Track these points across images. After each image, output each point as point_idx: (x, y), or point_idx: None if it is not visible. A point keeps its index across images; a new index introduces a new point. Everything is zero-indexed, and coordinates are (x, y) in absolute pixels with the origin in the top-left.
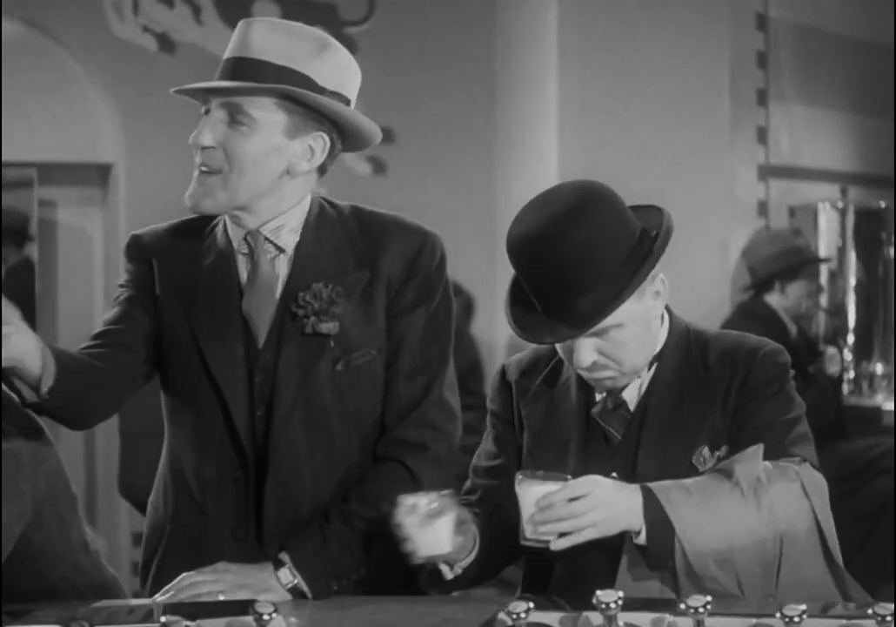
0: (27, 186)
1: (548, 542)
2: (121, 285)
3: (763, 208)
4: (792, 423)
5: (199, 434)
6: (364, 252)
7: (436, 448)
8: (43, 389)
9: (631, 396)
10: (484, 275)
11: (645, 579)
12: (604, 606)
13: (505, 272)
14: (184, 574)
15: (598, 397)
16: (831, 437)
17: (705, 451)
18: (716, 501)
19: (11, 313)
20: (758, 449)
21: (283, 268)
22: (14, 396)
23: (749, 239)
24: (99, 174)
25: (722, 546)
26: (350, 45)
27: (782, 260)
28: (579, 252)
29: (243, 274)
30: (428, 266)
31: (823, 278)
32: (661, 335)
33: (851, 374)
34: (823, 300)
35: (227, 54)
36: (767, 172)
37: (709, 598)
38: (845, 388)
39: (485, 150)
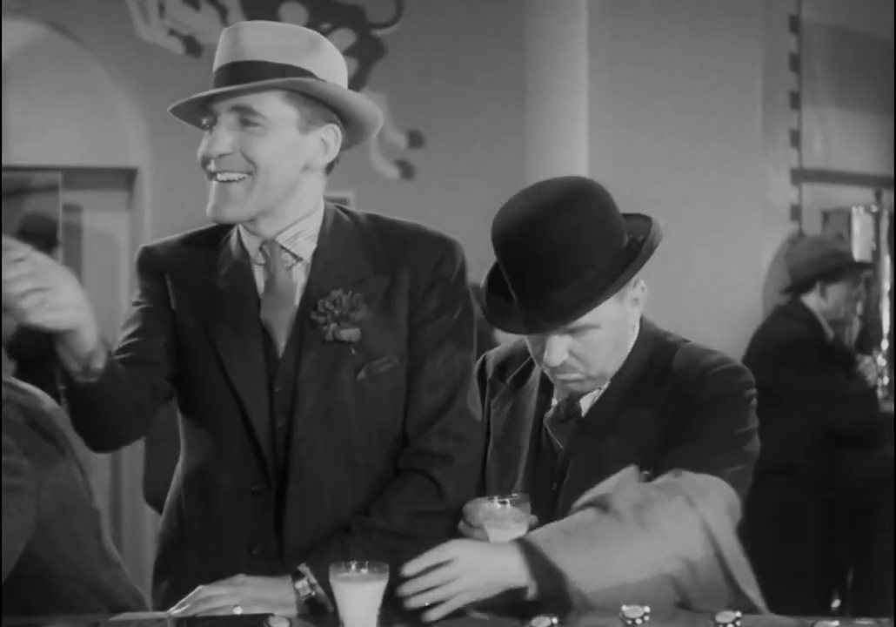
0: (52, 191)
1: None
2: (136, 302)
3: (796, 213)
4: (715, 437)
5: (218, 448)
6: (384, 259)
7: (461, 459)
8: (94, 367)
9: (586, 404)
10: None
11: None
12: (630, 621)
13: None
14: (200, 588)
15: (553, 402)
16: (867, 444)
17: (632, 469)
18: (601, 539)
19: (67, 277)
20: (630, 472)
21: (300, 276)
22: (59, 373)
23: (791, 243)
24: (124, 178)
25: (621, 581)
26: (378, 47)
27: (825, 261)
28: (564, 243)
29: (260, 284)
30: (450, 274)
31: (860, 286)
32: (630, 344)
33: (886, 380)
34: (859, 307)
35: (220, 62)
36: (800, 175)
37: (738, 614)
38: (880, 394)
39: (514, 153)
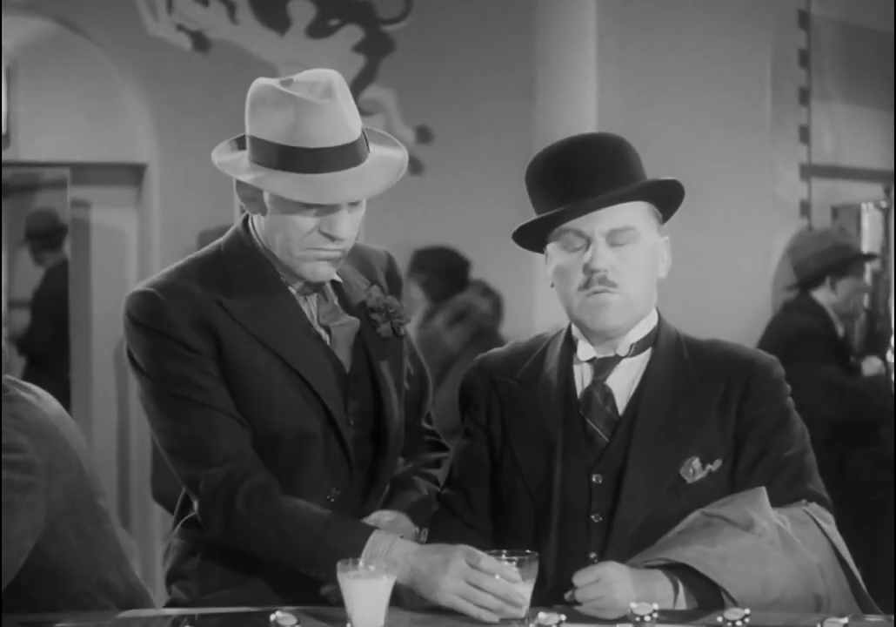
0: (60, 187)
1: None
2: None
3: (805, 208)
4: (800, 455)
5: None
6: (362, 271)
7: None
8: None
9: (619, 389)
10: (518, 275)
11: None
12: (638, 619)
13: (541, 273)
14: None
15: (579, 388)
16: (874, 440)
17: (696, 463)
18: (757, 558)
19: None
20: (761, 492)
21: (330, 290)
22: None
23: (794, 238)
24: (133, 174)
25: (776, 597)
26: (387, 43)
27: (833, 255)
28: (614, 147)
29: (305, 306)
30: (400, 279)
31: (867, 278)
32: (653, 317)
33: (894, 375)
34: (866, 300)
35: (328, 143)
36: (810, 171)
37: (747, 611)
38: None
39: (523, 149)
